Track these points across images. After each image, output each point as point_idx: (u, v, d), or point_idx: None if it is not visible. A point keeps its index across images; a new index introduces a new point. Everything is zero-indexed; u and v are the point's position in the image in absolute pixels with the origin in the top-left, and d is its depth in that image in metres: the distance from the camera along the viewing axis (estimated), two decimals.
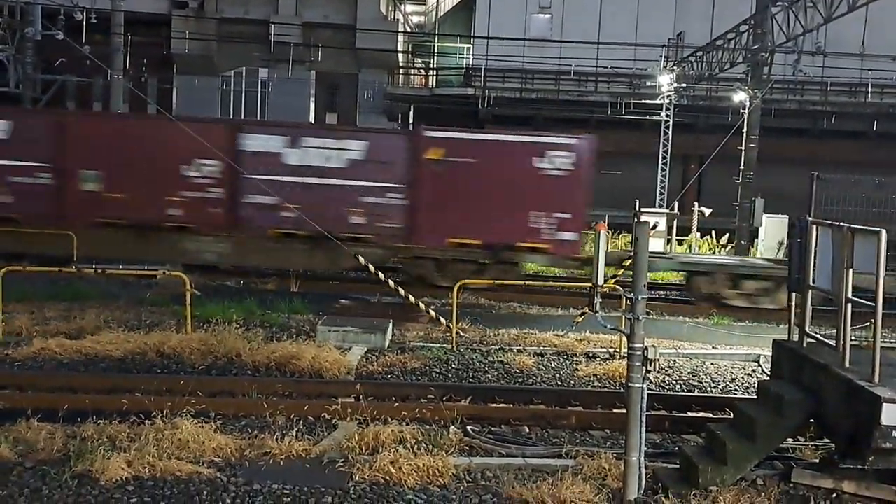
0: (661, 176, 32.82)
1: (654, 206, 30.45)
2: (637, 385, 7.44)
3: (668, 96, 32.99)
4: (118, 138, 20.42)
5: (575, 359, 13.50)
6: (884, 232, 7.01)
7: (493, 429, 9.86)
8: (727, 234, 29.51)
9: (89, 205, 20.18)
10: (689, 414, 10.72)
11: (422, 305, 15.36)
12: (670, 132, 32.91)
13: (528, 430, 9.96)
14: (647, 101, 34.95)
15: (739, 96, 27.70)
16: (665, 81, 32.90)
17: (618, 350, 13.67)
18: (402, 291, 15.34)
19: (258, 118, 38.22)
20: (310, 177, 20.04)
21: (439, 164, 19.84)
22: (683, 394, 11.80)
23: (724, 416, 10.13)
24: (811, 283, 8.30)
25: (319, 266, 20.66)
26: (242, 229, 20.21)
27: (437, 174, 19.86)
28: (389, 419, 9.54)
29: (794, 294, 8.70)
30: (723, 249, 29.12)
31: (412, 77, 43.91)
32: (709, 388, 12.22)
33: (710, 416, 10.48)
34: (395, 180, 20.05)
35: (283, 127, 21.64)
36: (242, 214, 20.21)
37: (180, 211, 20.17)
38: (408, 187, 20.02)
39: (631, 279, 7.59)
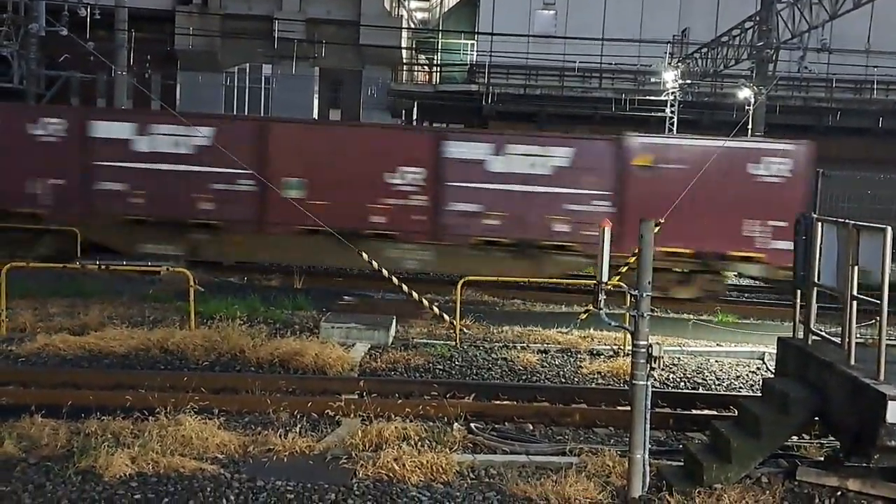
0: None
1: None
2: (641, 382, 7.42)
3: (672, 93, 32.97)
4: (321, 145, 20.31)
5: (579, 356, 13.47)
6: (889, 229, 6.98)
7: (496, 426, 9.84)
8: None
9: (292, 212, 19.80)
10: (694, 411, 10.70)
11: (425, 302, 15.33)
12: (675, 129, 32.87)
13: (531, 428, 9.94)
14: (652, 98, 34.96)
15: (744, 93, 27.69)
16: (670, 78, 32.89)
17: (622, 347, 13.64)
18: (405, 288, 15.31)
19: (261, 115, 38.20)
20: (513, 184, 19.71)
21: (648, 171, 19.35)
22: (688, 391, 11.78)
23: (729, 414, 10.12)
24: (816, 281, 8.28)
25: (522, 274, 20.16)
26: (445, 237, 19.98)
27: (645, 181, 19.31)
28: (393, 416, 9.52)
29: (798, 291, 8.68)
30: None
31: (416, 73, 43.89)
32: (713, 386, 12.20)
33: (715, 413, 10.45)
34: (602, 187, 19.56)
35: (488, 134, 21.18)
36: (445, 222, 20.00)
37: (384, 218, 19.97)
38: (614, 194, 19.54)
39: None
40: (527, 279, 18.68)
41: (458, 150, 20.03)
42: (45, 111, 21.36)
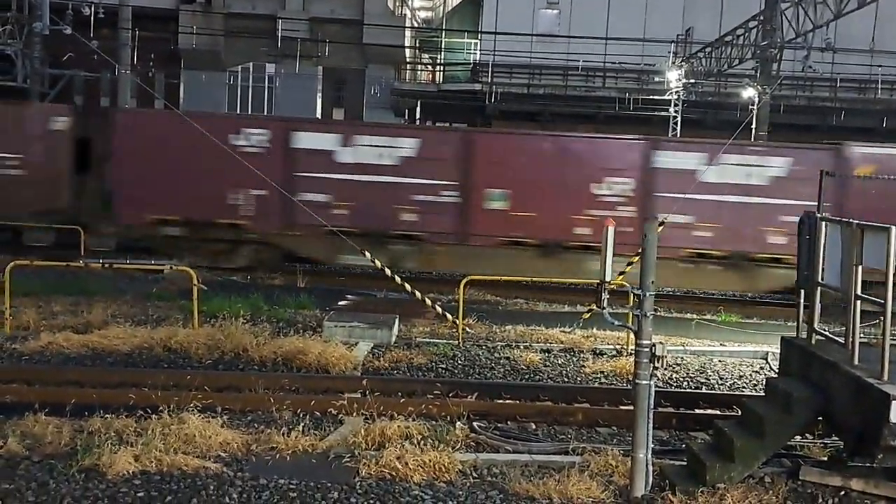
0: None
1: None
2: (644, 382, 7.42)
3: (676, 92, 32.92)
4: (525, 155, 20.15)
5: (582, 355, 13.47)
6: (894, 228, 6.97)
7: (499, 425, 9.85)
8: None
9: (495, 223, 19.92)
10: (697, 411, 10.70)
11: (428, 301, 15.33)
12: (679, 128, 32.83)
13: (534, 427, 9.95)
14: (656, 97, 34.90)
15: (748, 92, 27.64)
16: (673, 77, 32.84)
17: (625, 347, 13.64)
18: (408, 287, 15.32)
19: (265, 113, 38.19)
20: (727, 195, 19.25)
21: (869, 182, 18.45)
22: (691, 391, 11.78)
23: (732, 414, 10.11)
24: (820, 280, 8.27)
25: (734, 287, 20.18)
26: None
27: (867, 192, 18.39)
28: (396, 415, 9.53)
29: (802, 291, 8.68)
30: None
31: (419, 72, 43.88)
32: (716, 386, 12.19)
33: (718, 413, 10.45)
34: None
35: (702, 143, 20.61)
36: None
37: (588, 230, 19.66)
38: (834, 206, 18.37)
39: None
40: (529, 278, 18.63)
41: (670, 159, 19.70)
42: (249, 122, 21.23)
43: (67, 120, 22.13)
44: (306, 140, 20.41)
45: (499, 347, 13.72)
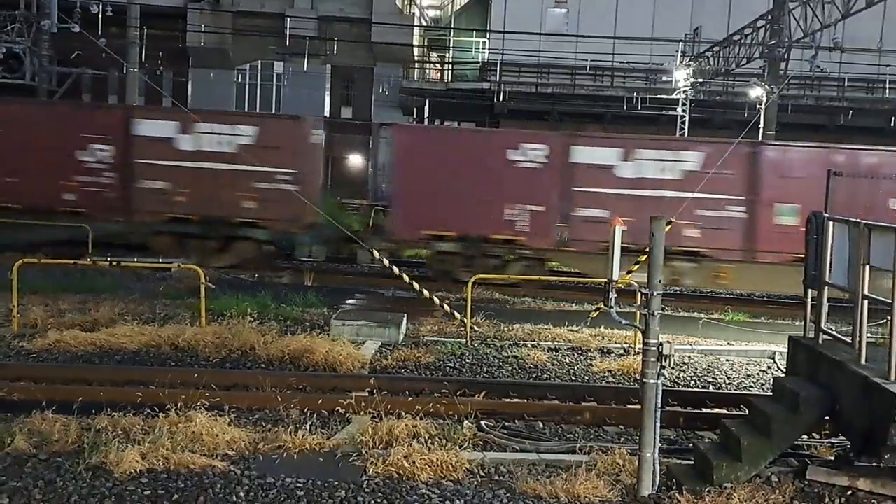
0: None
1: None
2: (652, 381, 7.42)
3: (684, 91, 32.87)
4: (817, 169, 18.52)
5: (589, 354, 13.47)
6: None
7: (506, 424, 9.85)
8: None
9: (784, 240, 18.98)
10: (704, 410, 10.68)
11: (436, 300, 15.33)
12: (686, 127, 32.79)
13: (542, 426, 9.94)
14: (663, 97, 34.86)
15: (756, 92, 27.58)
16: (681, 76, 32.78)
17: (632, 346, 13.63)
18: (416, 286, 15.32)
19: (271, 112, 38.23)
20: None
21: None
22: (698, 390, 11.76)
23: (740, 413, 10.10)
24: (827, 280, 8.26)
25: None
26: None
27: None
28: (403, 413, 9.52)
29: (809, 291, 8.66)
30: None
31: (427, 71, 43.87)
32: (724, 385, 12.18)
33: (725, 412, 10.43)
34: None
35: None
36: None
37: None
38: None
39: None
40: (536, 277, 18.57)
41: None
42: (528, 137, 20.93)
43: (322, 133, 22.18)
44: (586, 154, 20.05)
45: (506, 346, 13.72)
